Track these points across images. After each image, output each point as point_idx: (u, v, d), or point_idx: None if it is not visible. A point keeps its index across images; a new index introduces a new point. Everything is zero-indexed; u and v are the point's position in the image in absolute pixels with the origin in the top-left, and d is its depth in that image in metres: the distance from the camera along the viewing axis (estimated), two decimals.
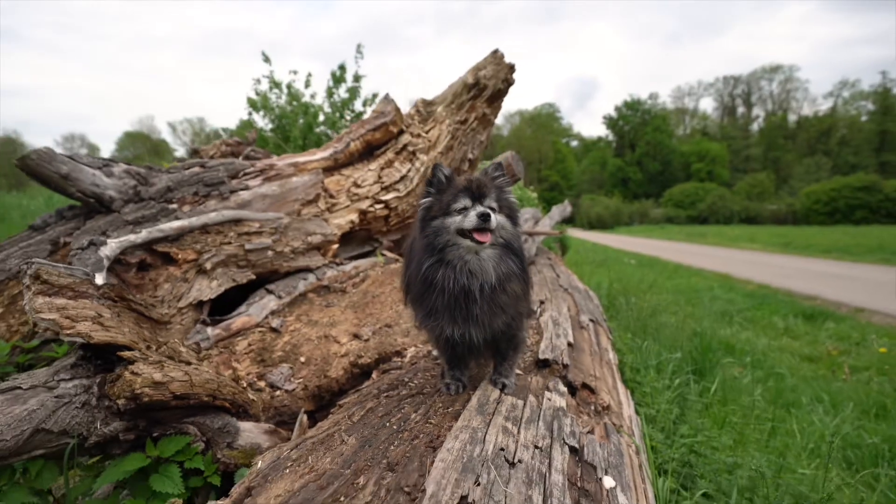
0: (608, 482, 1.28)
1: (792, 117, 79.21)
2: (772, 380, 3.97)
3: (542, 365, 1.97)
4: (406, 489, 1.03)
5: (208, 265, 2.37)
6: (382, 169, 3.83)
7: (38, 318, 1.49)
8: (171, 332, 2.04)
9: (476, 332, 1.59)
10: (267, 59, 16.56)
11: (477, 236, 1.50)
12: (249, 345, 2.19)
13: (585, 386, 1.95)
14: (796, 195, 54.27)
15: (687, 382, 2.95)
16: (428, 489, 1.01)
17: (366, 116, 4.68)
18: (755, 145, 77.41)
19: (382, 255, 3.77)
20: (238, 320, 2.32)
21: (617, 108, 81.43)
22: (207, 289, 2.34)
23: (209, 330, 2.18)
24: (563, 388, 1.79)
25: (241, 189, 3.16)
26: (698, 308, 6.98)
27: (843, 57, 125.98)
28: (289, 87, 16.45)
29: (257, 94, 16.44)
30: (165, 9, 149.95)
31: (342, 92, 16.95)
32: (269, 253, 2.68)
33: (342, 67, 17.10)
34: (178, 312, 2.17)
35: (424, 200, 1.62)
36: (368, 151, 3.94)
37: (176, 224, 2.35)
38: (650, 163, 73.05)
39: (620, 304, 5.14)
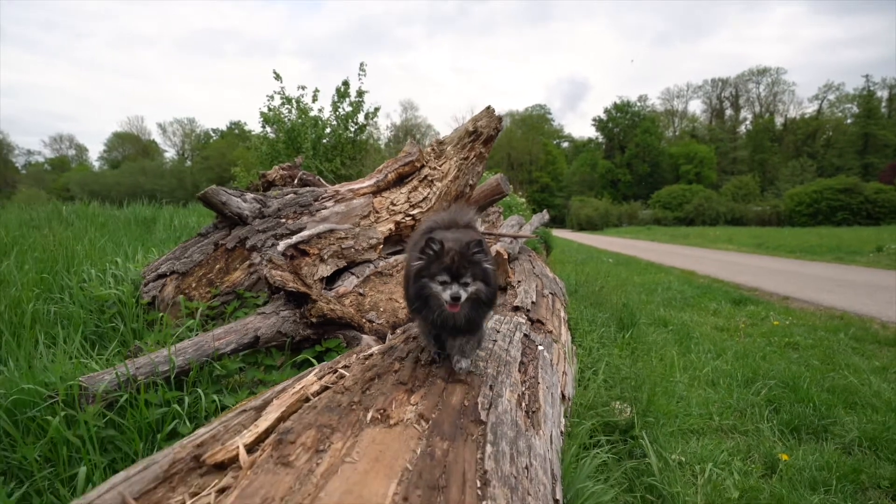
0: (539, 346, 2.95)
1: (779, 120, 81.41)
2: (682, 338, 5.68)
3: (516, 309, 3.64)
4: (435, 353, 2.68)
5: (324, 256, 4.01)
6: (410, 192, 5.50)
7: (273, 278, 3.14)
8: (312, 293, 3.68)
9: (459, 337, 2.08)
10: (278, 77, 18.32)
11: (448, 308, 1.87)
12: (350, 302, 3.82)
13: (539, 321, 3.62)
14: (781, 197, 56.24)
15: (609, 329, 4.66)
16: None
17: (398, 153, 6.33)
18: (742, 147, 79.59)
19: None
20: (340, 289, 3.95)
21: (606, 111, 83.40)
22: (325, 270, 3.98)
23: (331, 293, 3.83)
24: (525, 319, 3.45)
25: (322, 209, 4.81)
26: (651, 296, 8.68)
27: (828, 59, 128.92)
28: (298, 101, 18.15)
29: (270, 109, 18.10)
30: (148, 7, 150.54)
31: (346, 106, 18.68)
32: (352, 250, 4.32)
33: (346, 83, 18.89)
34: (314, 283, 3.80)
35: (416, 263, 1.95)
36: (400, 180, 5.61)
37: (305, 233, 3.99)
38: (639, 165, 75.06)
39: (583, 289, 6.87)
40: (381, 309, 3.86)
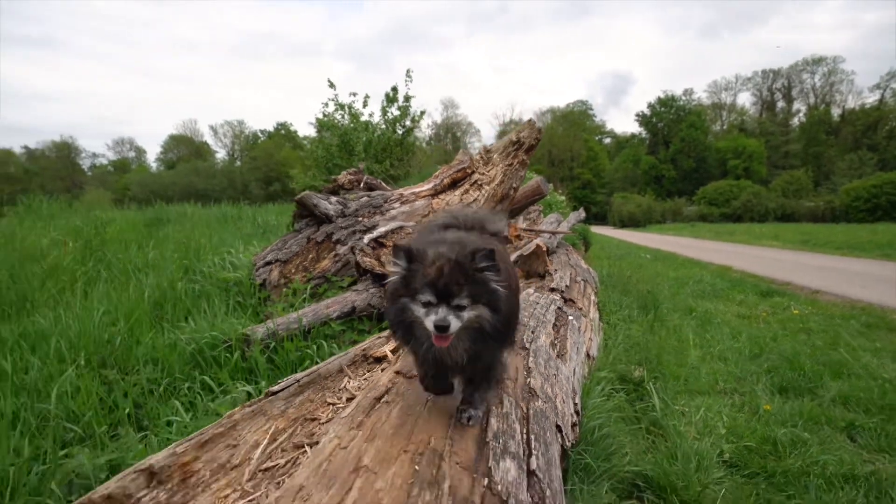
0: (570, 317, 3.84)
1: (835, 111, 77.57)
2: (703, 322, 6.40)
3: (552, 289, 4.52)
4: None
5: None
6: (462, 195, 6.45)
7: (364, 264, 4.16)
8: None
9: (459, 376, 1.73)
10: (332, 85, 19.67)
11: (434, 340, 1.45)
12: None
13: (571, 300, 4.50)
14: (837, 192, 53.96)
15: (633, 311, 5.47)
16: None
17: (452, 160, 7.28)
18: (795, 141, 76.33)
19: None
20: None
21: (650, 105, 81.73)
22: None
23: None
24: (559, 298, 4.34)
25: (391, 209, 5.83)
26: (682, 288, 9.32)
27: (892, 45, 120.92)
28: (350, 107, 19.46)
29: (325, 115, 19.49)
30: (193, 14, 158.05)
31: (394, 110, 19.88)
32: None
33: (394, 89, 20.09)
34: None
35: (394, 275, 1.55)
36: (454, 184, 6.57)
37: (382, 229, 5.01)
38: (684, 160, 73.34)
39: (615, 279, 7.65)
40: None
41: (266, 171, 73.94)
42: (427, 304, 1.45)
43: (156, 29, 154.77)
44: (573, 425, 2.48)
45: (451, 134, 75.69)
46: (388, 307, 1.60)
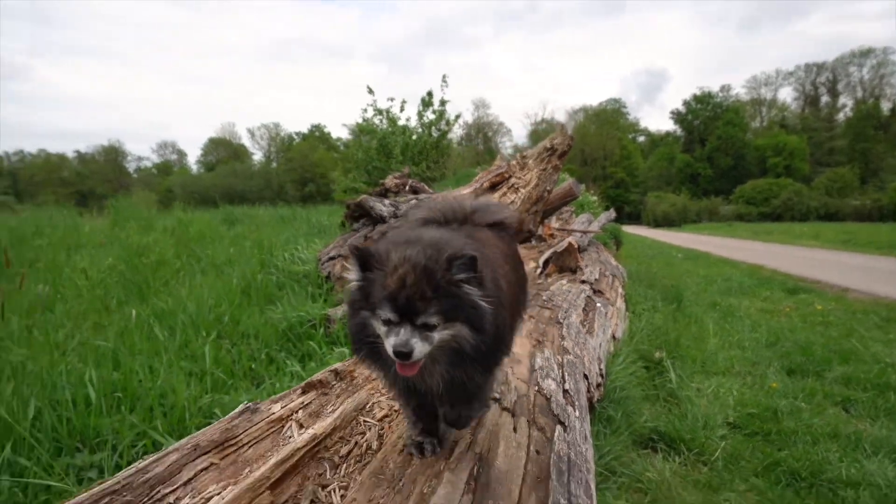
0: (598, 304, 4.46)
1: (885, 105, 74.21)
2: (725, 315, 6.87)
3: (582, 282, 5.14)
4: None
5: None
6: (500, 197, 7.11)
7: None
8: None
9: (438, 403, 1.49)
10: (371, 91, 20.59)
11: (398, 368, 1.22)
12: None
13: (600, 291, 5.10)
14: (885, 189, 51.92)
15: (657, 302, 6.03)
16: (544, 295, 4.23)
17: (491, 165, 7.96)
18: (840, 136, 73.47)
19: None
20: None
21: (685, 103, 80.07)
22: None
23: None
24: (589, 288, 4.95)
25: None
26: (711, 285, 9.72)
27: None
28: (387, 111, 20.38)
29: (364, 120, 20.43)
30: (231, 20, 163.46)
31: (429, 114, 20.68)
32: None
33: (430, 94, 20.87)
34: None
35: (352, 283, 1.30)
36: (493, 187, 7.23)
37: None
38: (721, 158, 71.64)
39: (643, 275, 8.17)
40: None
41: (301, 173, 75.64)
42: (388, 323, 1.19)
43: (196, 35, 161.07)
44: (598, 385, 3.13)
45: (483, 134, 76.10)
46: (348, 320, 1.34)
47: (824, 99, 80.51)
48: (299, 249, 6.58)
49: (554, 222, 10.00)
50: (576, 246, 6.16)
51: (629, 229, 34.00)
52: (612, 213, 12.31)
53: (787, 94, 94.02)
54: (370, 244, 1.41)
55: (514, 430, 1.61)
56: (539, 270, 5.62)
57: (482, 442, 1.50)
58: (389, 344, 1.17)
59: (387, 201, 6.41)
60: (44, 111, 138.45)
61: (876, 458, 3.01)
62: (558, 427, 1.70)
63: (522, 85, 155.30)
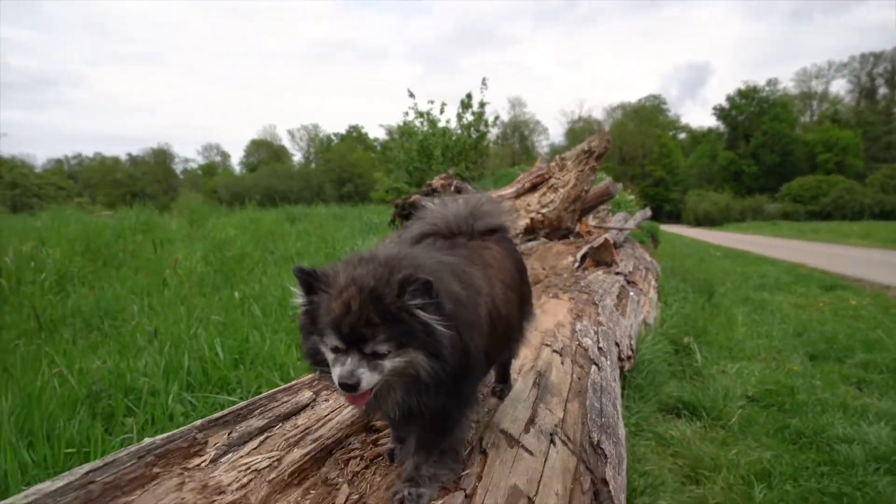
0: (631, 293, 4.98)
1: None
2: (756, 309, 7.21)
3: (617, 273, 5.66)
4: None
5: None
6: (540, 197, 7.66)
7: None
8: None
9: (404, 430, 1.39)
10: (412, 95, 21.36)
11: (347, 399, 1.19)
12: None
13: (633, 282, 5.61)
14: None
15: (689, 294, 6.46)
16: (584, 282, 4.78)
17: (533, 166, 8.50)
18: None
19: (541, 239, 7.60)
20: None
21: (729, 98, 77.53)
22: None
23: None
24: (623, 280, 5.47)
25: None
26: (746, 282, 9.96)
27: None
28: (428, 114, 21.09)
29: (405, 123, 21.23)
30: (272, 25, 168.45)
31: (468, 115, 21.29)
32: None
33: (469, 96, 21.49)
34: None
35: (300, 303, 1.25)
36: (533, 188, 7.80)
37: None
38: (767, 155, 69.20)
39: (677, 270, 8.56)
40: (529, 273, 6.12)
41: (339, 173, 77.05)
42: (335, 350, 1.14)
43: (239, 41, 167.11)
44: (628, 357, 3.68)
45: (519, 132, 76.04)
46: (301, 343, 1.29)
47: (882, 91, 76.47)
48: (359, 244, 7.32)
49: (591, 220, 10.45)
50: (612, 242, 6.65)
51: (668, 228, 33.64)
52: (647, 212, 12.64)
53: (839, 87, 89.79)
54: None
55: (562, 363, 2.22)
56: (577, 264, 6.14)
57: (540, 366, 2.11)
58: (335, 375, 1.11)
59: (436, 201, 7.08)
60: (99, 116, 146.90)
61: (877, 424, 3.44)
62: (593, 367, 2.30)
63: (559, 83, 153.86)
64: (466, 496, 1.21)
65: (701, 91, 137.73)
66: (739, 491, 2.77)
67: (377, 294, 1.12)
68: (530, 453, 1.43)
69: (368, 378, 1.10)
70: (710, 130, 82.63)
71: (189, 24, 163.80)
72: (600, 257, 6.57)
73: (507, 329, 1.59)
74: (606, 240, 6.66)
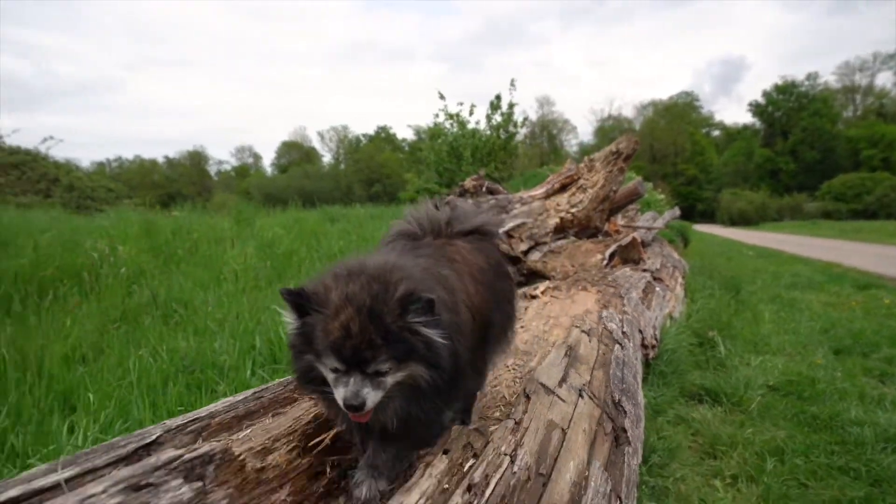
0: (657, 288, 5.24)
1: None
2: (785, 307, 7.33)
3: (644, 270, 5.92)
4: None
5: (522, 238, 6.70)
6: (570, 197, 7.95)
7: (501, 249, 5.89)
8: (522, 258, 6.37)
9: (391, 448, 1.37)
10: (442, 97, 21.75)
11: (351, 416, 1.19)
12: (543, 263, 6.45)
13: (660, 279, 5.86)
14: None
15: (715, 291, 6.66)
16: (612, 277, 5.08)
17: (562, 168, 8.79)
18: None
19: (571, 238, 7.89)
20: (532, 258, 6.60)
21: (765, 94, 75.24)
22: (523, 246, 6.66)
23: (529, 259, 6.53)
24: (650, 276, 5.73)
25: (514, 209, 7.51)
26: (777, 280, 9.99)
27: None
28: (457, 115, 21.48)
29: (435, 125, 21.68)
30: (301, 28, 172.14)
31: (497, 117, 21.59)
32: (536, 235, 6.96)
33: (498, 97, 21.79)
34: (520, 253, 6.51)
35: (290, 327, 1.25)
36: (562, 188, 8.09)
37: (510, 224, 6.72)
38: (806, 151, 66.93)
39: (706, 268, 8.71)
40: (557, 270, 6.41)
41: (368, 173, 77.90)
42: (335, 371, 1.16)
43: (270, 45, 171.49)
44: (652, 346, 3.98)
45: (547, 132, 75.66)
46: (291, 361, 1.29)
47: None
48: None
49: (620, 219, 10.64)
50: (639, 240, 6.90)
51: (701, 228, 33.12)
52: (676, 211, 12.73)
53: (886, 80, 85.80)
54: None
55: (589, 341, 2.56)
56: (605, 262, 6.42)
57: (570, 341, 2.46)
58: (339, 396, 1.13)
59: (470, 201, 7.46)
60: (136, 120, 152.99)
61: (892, 412, 3.65)
62: (616, 345, 2.64)
63: (589, 81, 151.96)
64: (516, 423, 1.58)
65: (736, 87, 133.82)
66: (753, 464, 3.06)
67: (376, 314, 1.13)
68: (563, 401, 1.79)
69: (373, 397, 1.14)
70: (745, 127, 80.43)
71: (222, 28, 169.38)
72: (628, 255, 6.83)
73: (483, 321, 1.56)
74: (634, 238, 6.91)
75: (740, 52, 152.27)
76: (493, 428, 1.58)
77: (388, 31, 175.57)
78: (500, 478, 1.25)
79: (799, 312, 7.05)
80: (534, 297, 3.80)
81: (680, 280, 6.62)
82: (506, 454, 1.37)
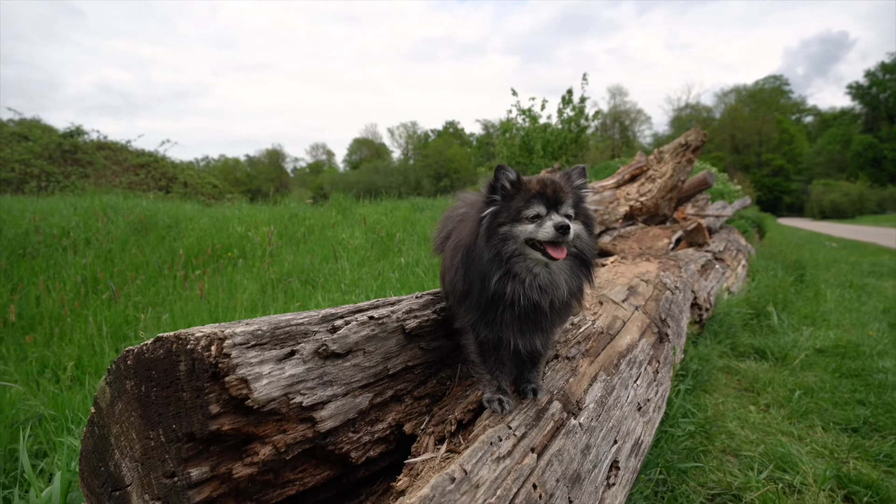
0: (716, 265, 5.93)
1: None
2: (854, 290, 7.64)
3: (707, 251, 6.58)
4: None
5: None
6: (639, 187, 8.64)
7: None
8: None
9: (539, 341, 1.62)
10: (514, 93, 22.54)
11: (551, 251, 1.42)
12: (613, 244, 7.26)
13: (721, 259, 6.50)
14: None
15: (777, 273, 7.15)
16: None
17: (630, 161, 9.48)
18: None
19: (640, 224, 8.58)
20: (603, 241, 7.42)
21: (869, 74, 68.54)
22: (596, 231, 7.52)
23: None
24: (711, 255, 6.39)
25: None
26: (854, 268, 10.06)
27: None
28: (529, 110, 22.19)
29: (508, 120, 22.49)
30: (377, 28, 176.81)
31: (569, 111, 22.06)
32: (607, 221, 7.75)
33: (570, 92, 22.25)
34: None
35: (488, 210, 1.50)
36: (632, 178, 8.79)
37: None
38: None
39: (776, 255, 9.07)
40: (625, 252, 7.20)
41: (436, 168, 79.10)
42: (535, 218, 1.43)
43: (346, 46, 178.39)
44: (706, 309, 4.76)
45: (619, 123, 73.66)
46: (474, 255, 1.50)
47: None
48: None
49: (689, 208, 11.07)
50: (704, 225, 7.51)
51: (786, 221, 31.48)
52: (746, 200, 12.84)
53: None
54: None
55: (647, 286, 3.46)
56: (672, 246, 7.13)
57: (632, 285, 3.38)
58: (548, 227, 1.40)
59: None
60: (222, 121, 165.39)
61: None
62: (668, 292, 3.51)
63: (665, 68, 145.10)
64: (594, 313, 2.57)
65: (834, 67, 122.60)
66: (784, 396, 3.82)
67: (564, 177, 1.57)
68: (624, 309, 2.74)
69: (574, 227, 1.43)
70: (843, 112, 73.77)
71: (298, 32, 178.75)
72: (694, 239, 7.46)
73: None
74: (700, 223, 7.53)
75: (842, 28, 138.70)
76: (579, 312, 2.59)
77: (461, 26, 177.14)
78: (586, 327, 2.26)
79: (867, 296, 7.34)
80: (603, 265, 4.71)
81: (743, 262, 7.17)
82: (590, 320, 2.37)
